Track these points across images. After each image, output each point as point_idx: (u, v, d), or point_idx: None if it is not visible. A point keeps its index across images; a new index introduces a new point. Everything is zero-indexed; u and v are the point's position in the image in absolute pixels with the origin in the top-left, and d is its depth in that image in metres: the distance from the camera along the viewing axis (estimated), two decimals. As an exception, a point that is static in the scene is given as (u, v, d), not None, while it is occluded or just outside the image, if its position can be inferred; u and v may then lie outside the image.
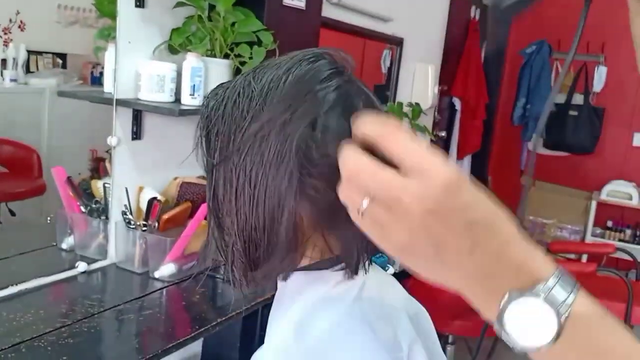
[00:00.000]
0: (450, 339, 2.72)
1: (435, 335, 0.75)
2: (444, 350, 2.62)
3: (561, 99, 4.39)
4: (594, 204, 4.36)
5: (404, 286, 0.75)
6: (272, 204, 0.59)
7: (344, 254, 0.65)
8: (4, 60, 1.91)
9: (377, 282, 0.69)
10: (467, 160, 4.28)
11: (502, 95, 4.68)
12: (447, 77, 3.83)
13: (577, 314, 0.41)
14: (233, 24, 1.73)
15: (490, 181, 4.75)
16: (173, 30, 1.76)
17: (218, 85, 0.67)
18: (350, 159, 0.41)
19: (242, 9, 1.77)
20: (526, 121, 4.42)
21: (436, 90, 3.54)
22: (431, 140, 3.59)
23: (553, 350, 0.41)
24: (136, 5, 1.68)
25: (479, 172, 4.52)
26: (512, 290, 0.41)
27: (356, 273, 0.66)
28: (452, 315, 2.51)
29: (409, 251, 0.42)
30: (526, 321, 0.41)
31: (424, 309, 0.75)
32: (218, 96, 0.65)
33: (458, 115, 4.09)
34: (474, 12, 4.07)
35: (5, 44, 1.91)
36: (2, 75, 1.91)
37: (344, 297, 0.64)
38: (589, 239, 4.40)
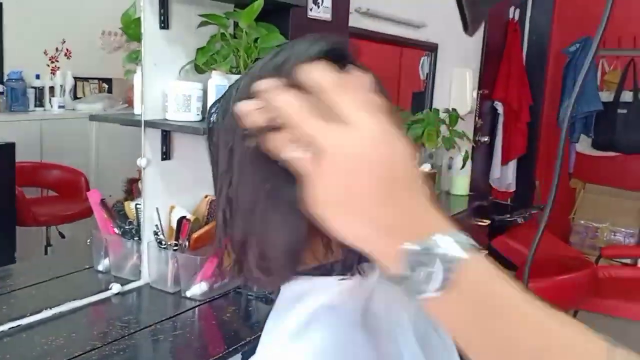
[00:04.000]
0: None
1: (454, 352, 0.70)
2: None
3: (609, 97, 4.23)
4: (649, 206, 4.16)
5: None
6: (269, 215, 0.56)
7: (345, 258, 0.61)
8: (52, 88, 1.97)
9: (385, 293, 0.65)
10: (513, 164, 4.17)
11: (547, 96, 4.54)
12: (488, 80, 3.75)
13: (470, 268, 0.42)
14: (256, 40, 1.72)
15: (539, 185, 4.60)
16: (198, 49, 1.77)
17: (219, 97, 0.65)
18: (289, 102, 0.43)
19: (266, 24, 1.76)
20: (572, 122, 4.27)
21: (475, 95, 3.47)
22: (472, 147, 3.52)
23: (446, 300, 0.42)
24: (161, 27, 1.70)
25: (526, 177, 4.39)
26: (412, 241, 0.43)
27: (352, 273, 0.62)
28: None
29: (322, 195, 0.43)
30: (421, 269, 0.42)
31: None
32: (218, 107, 0.63)
33: (501, 119, 4.00)
34: (513, 13, 3.98)
35: (53, 72, 1.98)
36: (50, 102, 1.97)
37: (349, 307, 0.60)
38: (645, 242, 4.21)
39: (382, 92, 0.61)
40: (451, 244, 0.43)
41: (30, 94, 1.92)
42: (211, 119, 0.63)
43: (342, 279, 0.60)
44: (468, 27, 0.89)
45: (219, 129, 0.61)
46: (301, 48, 0.58)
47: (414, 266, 0.42)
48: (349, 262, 0.60)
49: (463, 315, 0.44)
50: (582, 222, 4.41)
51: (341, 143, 0.42)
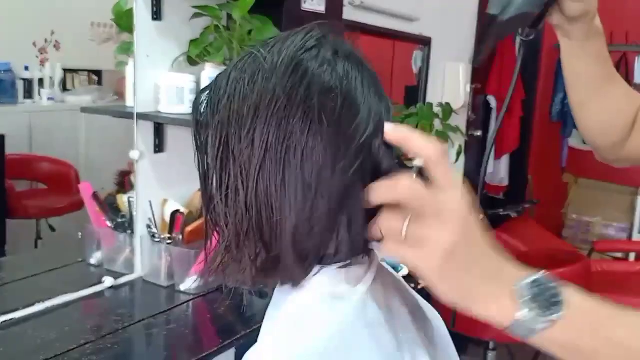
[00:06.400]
0: (491, 345, 2.63)
1: (450, 343, 0.70)
2: (485, 356, 2.53)
3: (601, 91, 4.23)
4: (640, 200, 4.18)
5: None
6: (274, 202, 0.55)
7: (349, 249, 0.60)
8: (41, 80, 1.95)
9: (384, 285, 0.65)
10: (506, 159, 4.17)
11: (539, 90, 4.55)
12: (481, 74, 3.75)
13: (569, 295, 0.52)
14: (250, 32, 1.71)
15: (531, 180, 4.62)
16: (191, 41, 1.75)
17: (203, 89, 0.63)
18: (405, 184, 0.51)
19: (260, 16, 1.75)
20: (565, 116, 4.28)
21: (468, 89, 3.46)
22: (465, 141, 3.52)
23: (557, 330, 0.51)
24: (153, 19, 1.69)
25: (519, 171, 4.40)
26: (519, 279, 0.53)
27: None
28: (491, 321, 2.43)
29: (450, 257, 0.51)
30: (537, 299, 0.51)
31: (436, 315, 0.71)
32: (206, 99, 0.62)
33: (494, 114, 4.00)
34: (506, 7, 3.97)
35: (42, 63, 1.96)
36: (39, 94, 1.95)
37: (349, 299, 0.59)
38: (635, 236, 4.21)
39: (378, 84, 0.61)
40: (549, 278, 0.53)
41: (19, 85, 1.90)
42: (200, 110, 0.62)
43: (343, 268, 0.59)
44: (478, 59, 0.97)
45: (209, 122, 0.60)
46: (296, 41, 0.57)
47: (530, 298, 0.51)
48: (350, 251, 0.59)
49: (583, 331, 0.52)
50: (575, 216, 4.43)
51: (459, 203, 0.51)
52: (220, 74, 0.61)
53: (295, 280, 0.60)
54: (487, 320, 0.53)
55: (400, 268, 1.80)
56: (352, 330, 0.57)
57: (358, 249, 0.59)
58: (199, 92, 0.63)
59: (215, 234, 0.63)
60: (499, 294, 0.52)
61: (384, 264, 0.66)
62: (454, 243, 0.50)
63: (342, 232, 0.56)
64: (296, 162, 0.53)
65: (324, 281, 0.59)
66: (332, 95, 0.54)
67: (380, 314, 0.60)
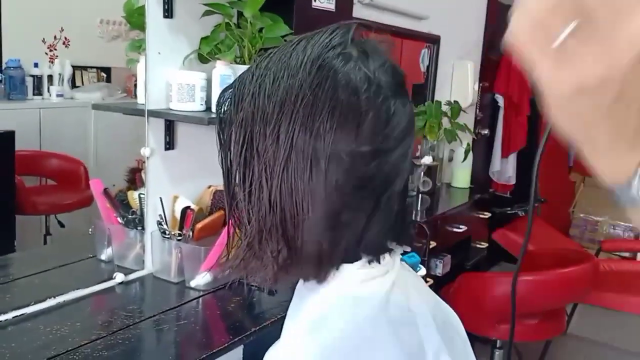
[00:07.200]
0: (498, 344, 2.63)
1: (467, 342, 0.70)
2: (492, 355, 2.52)
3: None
4: (649, 199, 4.16)
5: (445, 292, 0.70)
6: (299, 200, 0.55)
7: (370, 248, 0.60)
8: (51, 76, 1.95)
9: (405, 284, 0.65)
10: (513, 157, 4.16)
11: (547, 89, 4.53)
12: (489, 73, 3.74)
13: None
14: (261, 30, 1.71)
15: (539, 179, 4.60)
16: (202, 39, 1.76)
17: (227, 87, 0.64)
18: None
19: (270, 14, 1.75)
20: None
21: (476, 87, 3.46)
22: (473, 139, 3.51)
23: None
24: (164, 16, 1.69)
25: (526, 170, 4.39)
26: None
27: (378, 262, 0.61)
28: (498, 320, 2.43)
29: (599, 88, 0.37)
30: None
31: (454, 315, 0.71)
32: (229, 97, 0.62)
33: (501, 112, 3.99)
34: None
35: (51, 60, 1.96)
36: (49, 91, 1.95)
37: (371, 297, 0.60)
38: (644, 236, 4.22)
39: (404, 83, 0.61)
40: None
41: (29, 82, 1.90)
42: (222, 109, 0.62)
43: (365, 268, 0.60)
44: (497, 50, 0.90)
45: (233, 119, 0.60)
46: (321, 39, 0.57)
47: None
48: (373, 250, 0.59)
49: None
50: (582, 215, 4.42)
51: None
52: (243, 72, 0.62)
53: (317, 278, 0.60)
54: (600, 172, 0.44)
55: (418, 268, 1.81)
56: (374, 327, 0.57)
57: (380, 248, 0.59)
58: (223, 90, 0.63)
59: (237, 230, 0.63)
60: (629, 150, 0.41)
61: (404, 263, 0.67)
62: (606, 76, 0.37)
63: (365, 231, 0.56)
64: (322, 159, 0.53)
65: (347, 280, 0.59)
66: (358, 92, 0.54)
67: (402, 312, 0.60)
